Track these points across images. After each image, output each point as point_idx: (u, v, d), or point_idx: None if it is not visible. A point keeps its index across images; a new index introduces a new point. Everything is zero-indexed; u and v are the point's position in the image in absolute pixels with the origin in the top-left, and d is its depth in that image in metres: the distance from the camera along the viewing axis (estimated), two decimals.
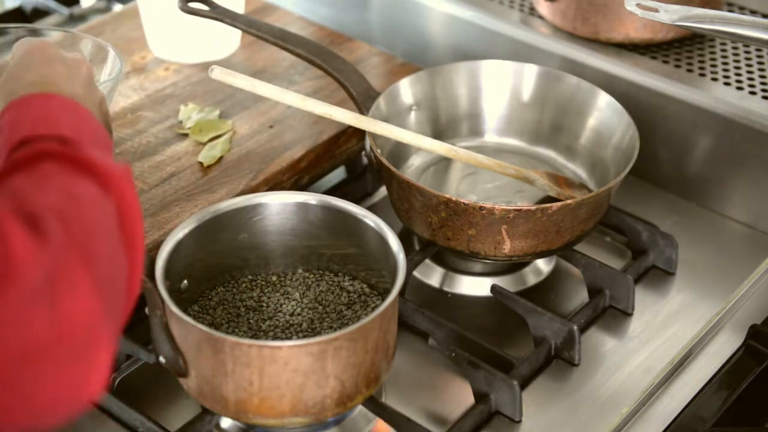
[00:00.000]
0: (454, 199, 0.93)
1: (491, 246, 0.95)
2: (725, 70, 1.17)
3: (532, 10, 1.27)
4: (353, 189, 1.14)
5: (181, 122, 1.09)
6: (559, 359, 0.96)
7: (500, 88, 1.12)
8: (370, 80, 1.06)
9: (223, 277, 0.92)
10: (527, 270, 1.05)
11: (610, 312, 1.01)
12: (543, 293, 1.04)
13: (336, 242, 0.92)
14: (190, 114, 1.10)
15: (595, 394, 0.93)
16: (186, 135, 1.08)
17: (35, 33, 1.09)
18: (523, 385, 0.92)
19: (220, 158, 1.04)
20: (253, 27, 1.07)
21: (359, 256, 0.91)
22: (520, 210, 0.92)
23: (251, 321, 0.88)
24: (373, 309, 0.86)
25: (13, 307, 0.55)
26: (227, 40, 1.21)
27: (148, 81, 1.16)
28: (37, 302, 0.56)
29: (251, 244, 0.92)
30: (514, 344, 0.98)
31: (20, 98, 0.71)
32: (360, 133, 1.09)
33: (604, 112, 1.07)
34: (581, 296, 1.03)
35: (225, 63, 1.19)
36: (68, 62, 0.78)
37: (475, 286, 1.04)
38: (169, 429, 0.86)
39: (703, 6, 1.11)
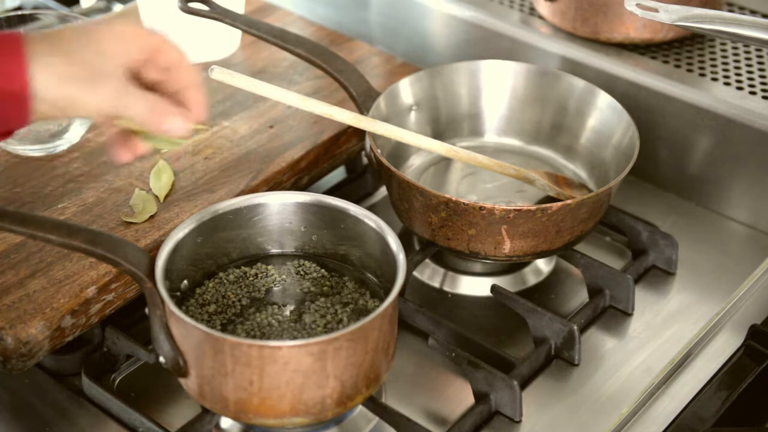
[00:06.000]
0: (454, 199, 0.93)
1: (491, 246, 0.95)
2: (725, 70, 1.17)
3: (532, 10, 1.27)
4: (353, 189, 1.14)
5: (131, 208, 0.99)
6: (559, 359, 0.96)
7: (500, 88, 1.12)
8: (370, 80, 1.06)
9: (223, 277, 0.92)
10: (527, 270, 1.05)
11: (610, 312, 1.02)
12: (543, 293, 1.04)
13: (336, 242, 0.92)
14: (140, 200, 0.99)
15: (595, 394, 0.93)
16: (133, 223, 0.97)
17: (64, 18, 1.10)
18: (523, 385, 0.92)
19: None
20: (253, 27, 1.07)
21: (359, 256, 0.91)
22: (520, 210, 0.92)
23: (251, 321, 0.88)
24: (373, 309, 0.86)
25: None
26: (227, 40, 1.21)
27: None
28: None
29: (251, 245, 0.92)
30: (514, 344, 0.98)
31: None
32: (360, 133, 1.09)
33: (604, 112, 1.07)
34: (581, 296, 1.03)
35: (225, 63, 1.19)
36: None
37: (475, 286, 1.04)
38: (169, 429, 0.86)
39: (703, 6, 1.11)
